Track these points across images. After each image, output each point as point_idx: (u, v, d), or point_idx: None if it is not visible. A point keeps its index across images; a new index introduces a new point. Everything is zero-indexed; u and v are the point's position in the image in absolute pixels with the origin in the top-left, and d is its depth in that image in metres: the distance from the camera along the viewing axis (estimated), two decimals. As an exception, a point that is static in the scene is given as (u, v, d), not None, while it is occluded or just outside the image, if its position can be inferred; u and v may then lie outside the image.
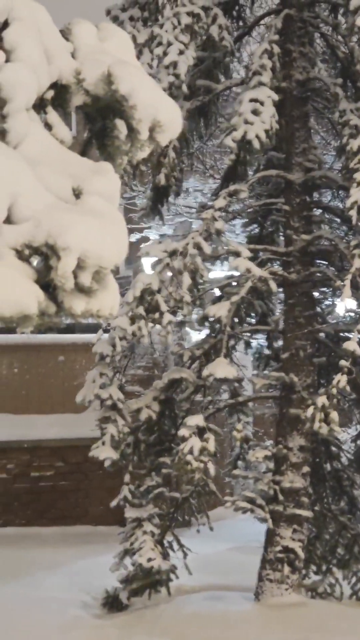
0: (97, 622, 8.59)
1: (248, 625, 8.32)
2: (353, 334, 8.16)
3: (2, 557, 10.89)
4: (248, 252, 8.50)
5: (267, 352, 9.92)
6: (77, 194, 3.67)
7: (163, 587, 8.91)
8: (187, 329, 11.66)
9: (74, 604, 9.02)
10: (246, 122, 8.25)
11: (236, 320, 8.91)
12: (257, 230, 9.90)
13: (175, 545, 9.02)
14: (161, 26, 8.58)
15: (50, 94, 3.94)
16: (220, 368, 8.18)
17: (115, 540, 9.23)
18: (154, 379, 10.56)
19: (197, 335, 10.79)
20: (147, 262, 11.71)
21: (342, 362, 7.99)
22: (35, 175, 3.55)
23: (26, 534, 12.42)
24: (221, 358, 8.24)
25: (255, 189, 9.59)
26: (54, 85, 3.94)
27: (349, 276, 8.14)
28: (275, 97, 8.45)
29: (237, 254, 8.48)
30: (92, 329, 9.59)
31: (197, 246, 8.37)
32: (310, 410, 8.00)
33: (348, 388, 8.00)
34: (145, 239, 15.91)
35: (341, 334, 9.13)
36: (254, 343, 10.08)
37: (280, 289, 9.14)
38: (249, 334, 9.64)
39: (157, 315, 8.22)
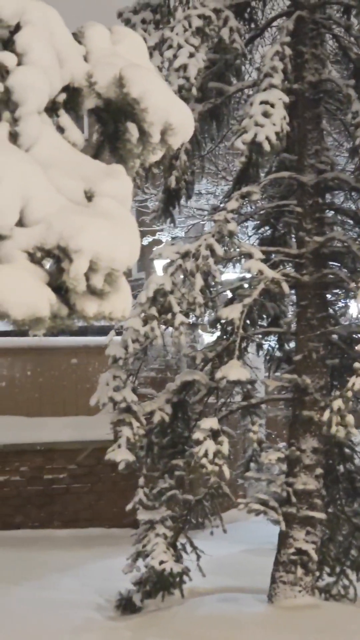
0: (111, 624, 8.59)
1: (261, 627, 8.31)
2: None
3: (15, 559, 10.91)
4: (260, 254, 8.48)
5: (278, 354, 9.91)
6: (89, 196, 3.68)
7: (176, 589, 8.91)
8: (200, 331, 11.68)
9: (87, 606, 9.03)
10: (256, 124, 8.24)
11: (248, 322, 8.90)
12: (269, 232, 9.87)
13: (189, 547, 9.02)
14: (172, 29, 8.57)
15: (62, 97, 3.95)
16: (233, 370, 8.16)
17: (128, 543, 9.23)
18: (166, 382, 10.56)
19: (209, 338, 10.77)
20: (159, 265, 11.72)
21: (356, 365, 7.96)
22: (47, 178, 3.56)
23: (39, 536, 12.44)
24: (234, 360, 8.23)
25: (267, 191, 9.57)
26: (66, 89, 3.95)
27: (362, 278, 8.13)
28: (287, 99, 8.43)
29: (249, 256, 8.46)
30: (105, 331, 9.57)
31: (210, 248, 8.36)
32: (327, 414, 7.96)
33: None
34: (158, 242, 15.91)
35: (354, 336, 9.10)
36: (265, 345, 10.05)
37: (293, 291, 9.13)
38: (260, 336, 9.62)
39: (169, 316, 8.22)
